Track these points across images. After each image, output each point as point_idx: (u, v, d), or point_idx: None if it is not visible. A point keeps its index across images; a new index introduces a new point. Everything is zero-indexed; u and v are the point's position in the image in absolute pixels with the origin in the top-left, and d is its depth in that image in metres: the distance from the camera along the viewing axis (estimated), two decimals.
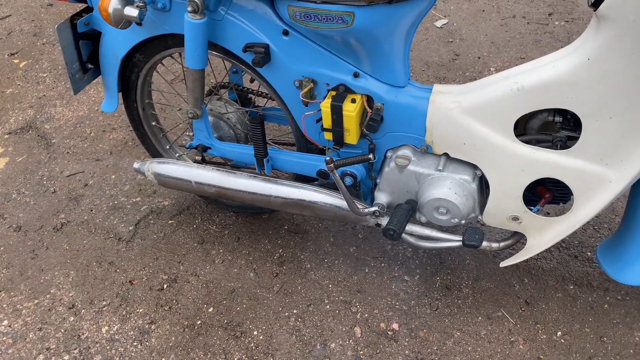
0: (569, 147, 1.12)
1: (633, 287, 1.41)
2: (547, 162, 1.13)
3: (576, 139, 1.10)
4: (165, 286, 1.58)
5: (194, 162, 1.52)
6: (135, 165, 1.55)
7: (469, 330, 1.37)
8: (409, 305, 1.44)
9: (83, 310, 1.53)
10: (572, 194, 1.16)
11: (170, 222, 1.77)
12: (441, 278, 1.50)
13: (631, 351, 1.29)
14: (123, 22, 1.23)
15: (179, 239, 1.71)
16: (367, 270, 1.55)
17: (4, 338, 1.46)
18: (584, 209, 1.13)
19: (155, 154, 1.71)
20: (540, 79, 1.07)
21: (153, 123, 1.66)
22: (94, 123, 2.22)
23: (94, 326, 1.48)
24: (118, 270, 1.63)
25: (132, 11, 1.19)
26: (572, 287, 1.43)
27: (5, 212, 1.84)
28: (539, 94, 1.08)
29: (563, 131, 1.14)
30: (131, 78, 1.51)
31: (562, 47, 1.14)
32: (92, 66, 1.48)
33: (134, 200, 1.86)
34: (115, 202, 1.86)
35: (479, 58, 2.26)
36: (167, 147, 1.71)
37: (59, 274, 1.63)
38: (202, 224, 1.75)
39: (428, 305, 1.44)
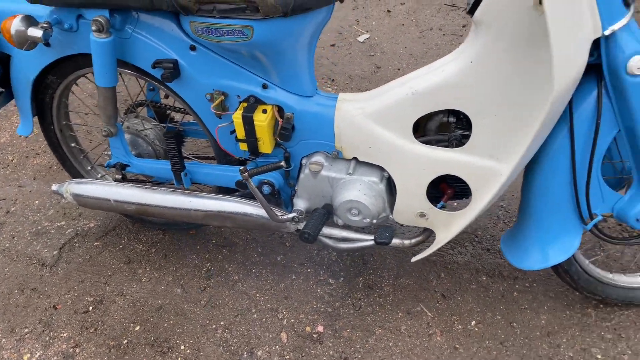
0: (464, 144, 1.20)
1: (539, 274, 1.50)
2: (444, 160, 1.21)
3: (469, 137, 1.19)
4: (90, 308, 1.55)
5: (115, 181, 1.52)
6: (54, 187, 1.53)
7: (390, 326, 1.42)
8: (333, 307, 1.48)
9: (4, 340, 1.48)
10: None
11: (96, 243, 1.75)
12: (364, 278, 1.55)
13: (538, 333, 1.37)
14: (28, 44, 1.23)
15: (105, 260, 1.69)
16: (293, 277, 1.58)
17: None
18: (481, 201, 1.21)
19: (77, 175, 1.69)
20: (431, 83, 1.15)
21: (72, 144, 1.65)
22: (16, 149, 2.17)
23: (15, 355, 1.44)
24: (41, 296, 1.60)
25: (36, 32, 1.20)
26: (484, 278, 1.51)
27: None
28: (431, 97, 1.16)
29: (457, 130, 1.22)
30: (45, 100, 1.50)
31: None
32: (2, 90, 1.47)
33: (59, 224, 1.83)
34: (39, 227, 1.82)
35: (398, 70, 2.36)
36: (89, 168, 1.69)
37: None
38: (129, 244, 1.73)
39: (352, 305, 1.48)
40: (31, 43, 1.23)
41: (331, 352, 1.37)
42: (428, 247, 1.35)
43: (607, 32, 0.99)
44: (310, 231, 1.27)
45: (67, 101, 1.55)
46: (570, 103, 1.10)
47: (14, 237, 1.79)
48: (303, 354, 1.38)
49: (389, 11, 2.75)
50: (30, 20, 1.22)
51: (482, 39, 1.06)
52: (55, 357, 1.42)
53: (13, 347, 1.46)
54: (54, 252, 1.73)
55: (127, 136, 1.52)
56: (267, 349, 1.40)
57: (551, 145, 1.15)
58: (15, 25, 1.19)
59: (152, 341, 1.45)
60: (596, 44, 1.03)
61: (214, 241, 1.71)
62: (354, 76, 2.36)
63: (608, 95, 1.08)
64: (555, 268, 1.32)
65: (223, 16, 1.11)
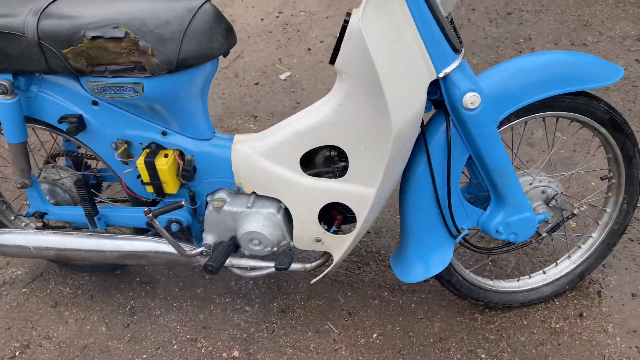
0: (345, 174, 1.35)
1: (434, 286, 1.65)
2: (329, 189, 1.35)
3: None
4: (17, 353, 1.61)
5: (36, 228, 1.60)
6: None
7: (300, 345, 1.53)
8: (248, 333, 1.59)
9: None
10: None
11: (23, 290, 1.81)
12: (278, 303, 1.67)
13: (431, 340, 1.51)
14: None
15: (32, 305, 1.75)
16: (212, 307, 1.68)
17: None
18: (364, 222, 1.35)
19: (0, 225, 1.76)
20: (310, 123, 1.30)
21: None
22: None
23: None
24: None
25: None
26: (386, 293, 1.65)
27: None
28: (311, 135, 1.30)
29: (340, 162, 1.37)
30: None
31: None
32: None
33: None
34: None
35: None
36: (12, 217, 1.77)
37: None
38: (56, 288, 1.80)
39: (265, 329, 1.59)
40: None
41: None
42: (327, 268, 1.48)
43: (441, 75, 1.16)
44: (213, 263, 1.38)
45: None
46: (424, 134, 1.26)
47: None
48: None
49: (309, 49, 2.93)
50: None
51: (344, 85, 1.22)
52: None
53: None
54: None
55: (45, 186, 1.61)
56: None
57: (414, 172, 1.31)
58: None
59: None
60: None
61: (137, 279, 1.80)
62: (276, 112, 2.51)
63: (455, 126, 1.25)
64: (439, 279, 1.48)
65: (114, 76, 1.24)
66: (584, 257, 1.55)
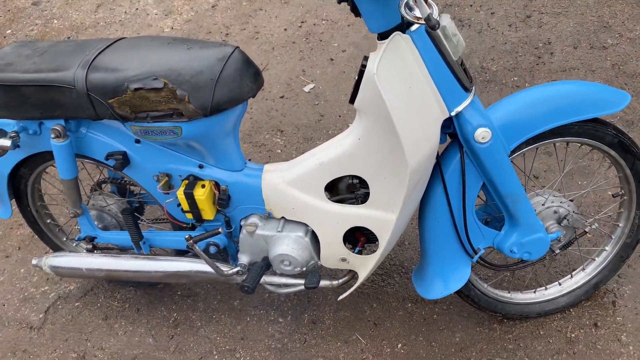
0: (367, 201, 1.46)
1: (455, 298, 1.75)
2: (352, 214, 1.46)
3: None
4: None
5: (87, 251, 1.76)
6: (33, 262, 1.77)
7: (330, 355, 1.66)
8: (282, 343, 1.72)
9: None
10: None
11: (76, 304, 1.98)
12: (309, 315, 1.79)
13: (452, 350, 1.62)
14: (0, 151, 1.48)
15: (85, 318, 1.93)
16: (248, 319, 1.82)
17: None
18: (387, 245, 1.46)
19: (54, 246, 1.93)
20: (333, 155, 1.41)
21: (48, 221, 1.89)
22: (1, 222, 2.40)
23: None
24: (32, 357, 1.83)
25: (5, 142, 1.45)
26: (410, 304, 1.76)
27: None
28: (334, 165, 1.41)
29: (362, 189, 1.48)
30: (20, 187, 1.75)
31: None
32: None
33: (43, 289, 2.06)
34: (26, 293, 2.06)
35: (339, 116, 2.63)
36: (64, 239, 1.94)
37: None
38: (105, 301, 1.97)
39: (298, 340, 1.73)
40: (2, 151, 1.48)
41: None
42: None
43: (453, 114, 1.25)
44: (249, 284, 1.52)
45: (39, 186, 1.80)
46: (439, 164, 1.36)
47: (4, 305, 2.02)
48: None
49: (331, 59, 3.03)
50: None
51: (364, 121, 1.32)
52: None
53: None
54: (40, 315, 1.96)
55: (93, 212, 1.76)
56: None
57: (432, 198, 1.41)
58: None
59: None
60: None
61: (179, 293, 1.95)
62: (301, 126, 2.62)
63: (468, 157, 1.34)
64: (459, 293, 1.58)
65: (155, 121, 1.37)
66: (598, 269, 1.63)
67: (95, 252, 1.74)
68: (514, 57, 2.74)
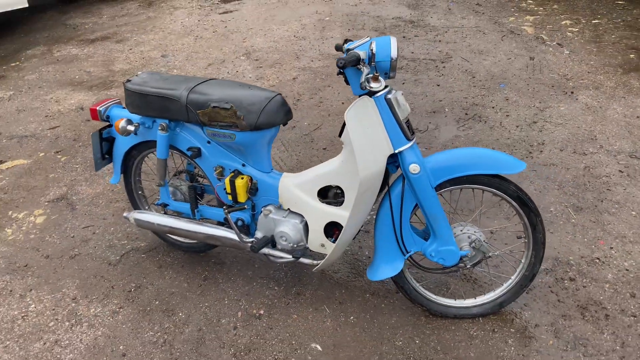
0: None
1: (401, 297, 2.37)
2: (332, 212, 2.20)
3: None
4: (133, 289, 2.58)
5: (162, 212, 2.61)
6: (125, 214, 2.64)
7: (302, 315, 2.33)
8: (272, 302, 2.42)
9: (81, 301, 2.52)
10: None
11: (142, 255, 2.81)
12: (296, 289, 2.49)
13: (387, 327, 2.23)
14: (126, 134, 2.39)
15: (146, 265, 2.74)
16: (254, 284, 2.54)
17: (29, 315, 2.45)
18: (342, 235, 2.16)
19: (138, 209, 2.79)
20: (325, 170, 2.18)
21: (139, 192, 2.77)
22: (105, 197, 3.34)
23: (91, 310, 2.47)
24: (106, 281, 2.64)
25: (131, 128, 2.36)
26: (368, 295, 2.41)
27: (39, 247, 2.90)
28: (325, 177, 2.17)
29: (342, 197, 2.22)
30: (128, 165, 2.65)
31: None
32: (107, 156, 2.64)
33: (123, 242, 2.92)
34: (111, 243, 2.92)
35: None
36: (146, 207, 2.81)
37: (69, 282, 2.65)
38: (162, 258, 2.78)
39: (284, 302, 2.42)
40: (127, 133, 2.39)
41: (264, 325, 2.30)
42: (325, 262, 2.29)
43: (396, 151, 1.99)
44: (256, 246, 2.27)
45: (141, 166, 2.70)
46: (388, 186, 2.08)
47: (95, 247, 2.89)
48: (247, 324, 2.31)
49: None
50: (129, 122, 2.39)
51: (346, 150, 2.09)
52: (108, 311, 2.44)
53: (86, 305, 2.49)
54: (117, 257, 2.79)
55: (171, 188, 2.62)
56: (228, 319, 2.35)
57: (382, 210, 2.12)
58: (122, 124, 2.36)
59: (165, 311, 2.43)
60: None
61: (212, 260, 2.72)
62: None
63: (408, 183, 2.06)
64: (396, 284, 2.22)
65: (221, 128, 2.22)
66: (503, 292, 2.21)
67: (165, 214, 2.58)
68: (511, 149, 3.42)
